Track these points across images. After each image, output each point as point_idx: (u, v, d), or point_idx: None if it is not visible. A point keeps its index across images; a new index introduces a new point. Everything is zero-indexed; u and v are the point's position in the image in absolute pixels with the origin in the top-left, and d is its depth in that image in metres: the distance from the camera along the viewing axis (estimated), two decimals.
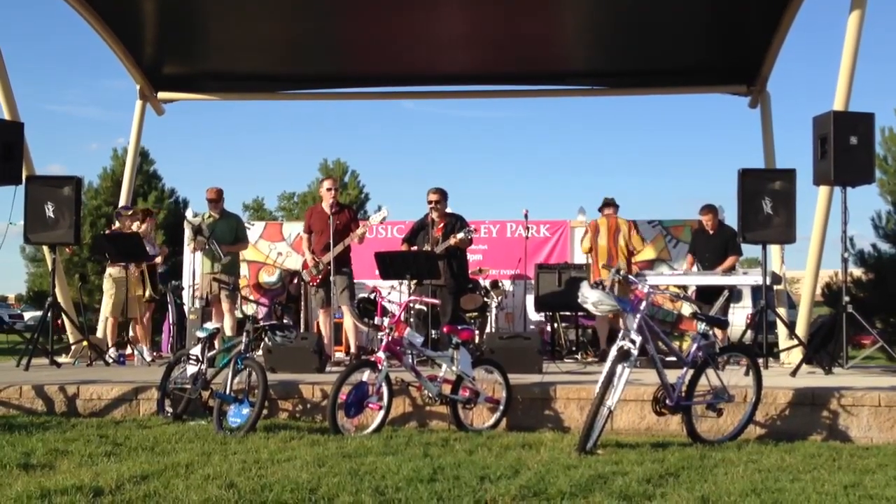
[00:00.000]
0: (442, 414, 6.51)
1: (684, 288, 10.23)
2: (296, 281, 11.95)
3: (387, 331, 6.27)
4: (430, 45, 11.47)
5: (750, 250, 11.11)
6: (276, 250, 13.53)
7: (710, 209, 10.35)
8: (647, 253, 12.69)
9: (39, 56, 63.76)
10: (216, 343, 7.03)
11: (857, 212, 8.58)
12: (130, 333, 10.18)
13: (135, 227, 10.36)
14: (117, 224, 10.66)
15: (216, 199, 9.87)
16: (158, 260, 10.83)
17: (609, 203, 10.72)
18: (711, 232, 10.35)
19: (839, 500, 4.18)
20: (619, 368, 5.49)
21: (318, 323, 9.88)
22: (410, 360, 6.50)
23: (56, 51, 64.66)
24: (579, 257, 12.61)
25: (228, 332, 9.16)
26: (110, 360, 9.42)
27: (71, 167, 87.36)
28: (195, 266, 11.03)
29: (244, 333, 6.44)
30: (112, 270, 9.99)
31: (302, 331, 9.90)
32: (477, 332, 10.45)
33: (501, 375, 6.54)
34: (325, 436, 5.77)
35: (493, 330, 11.17)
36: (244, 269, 12.54)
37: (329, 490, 4.15)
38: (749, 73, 11.22)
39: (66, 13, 11.29)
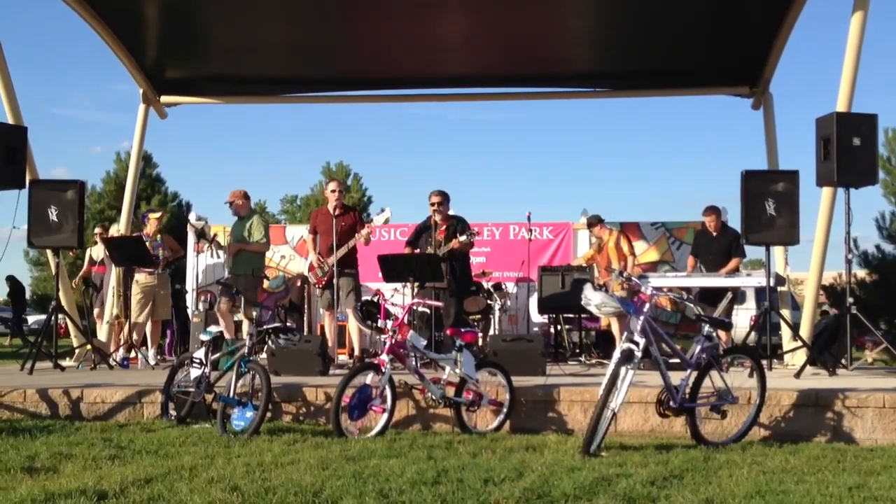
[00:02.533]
0: (445, 416, 6.50)
1: (687, 290, 10.23)
2: (299, 284, 11.96)
3: (390, 333, 6.28)
4: (434, 47, 11.48)
5: (753, 252, 11.11)
6: (280, 253, 13.54)
7: (713, 211, 10.35)
8: (650, 255, 12.69)
9: (45, 59, 63.86)
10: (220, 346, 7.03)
11: (860, 213, 8.57)
12: (135, 336, 10.17)
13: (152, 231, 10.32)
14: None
15: (231, 201, 9.77)
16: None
17: (601, 220, 10.90)
18: (714, 234, 10.34)
19: (844, 501, 4.17)
20: (622, 370, 5.47)
21: (321, 325, 9.88)
22: (414, 363, 6.50)
23: (62, 54, 64.77)
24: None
25: (225, 334, 9.13)
26: (114, 364, 9.43)
27: (75, 170, 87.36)
28: (198, 270, 11.04)
29: (247, 336, 6.44)
30: (139, 276, 9.93)
31: (305, 333, 9.91)
32: (480, 334, 10.45)
33: (505, 378, 6.53)
34: (329, 439, 5.77)
35: (497, 332, 11.18)
36: None
37: (333, 493, 4.14)
38: (752, 75, 11.21)
39: (72, 16, 11.32)
